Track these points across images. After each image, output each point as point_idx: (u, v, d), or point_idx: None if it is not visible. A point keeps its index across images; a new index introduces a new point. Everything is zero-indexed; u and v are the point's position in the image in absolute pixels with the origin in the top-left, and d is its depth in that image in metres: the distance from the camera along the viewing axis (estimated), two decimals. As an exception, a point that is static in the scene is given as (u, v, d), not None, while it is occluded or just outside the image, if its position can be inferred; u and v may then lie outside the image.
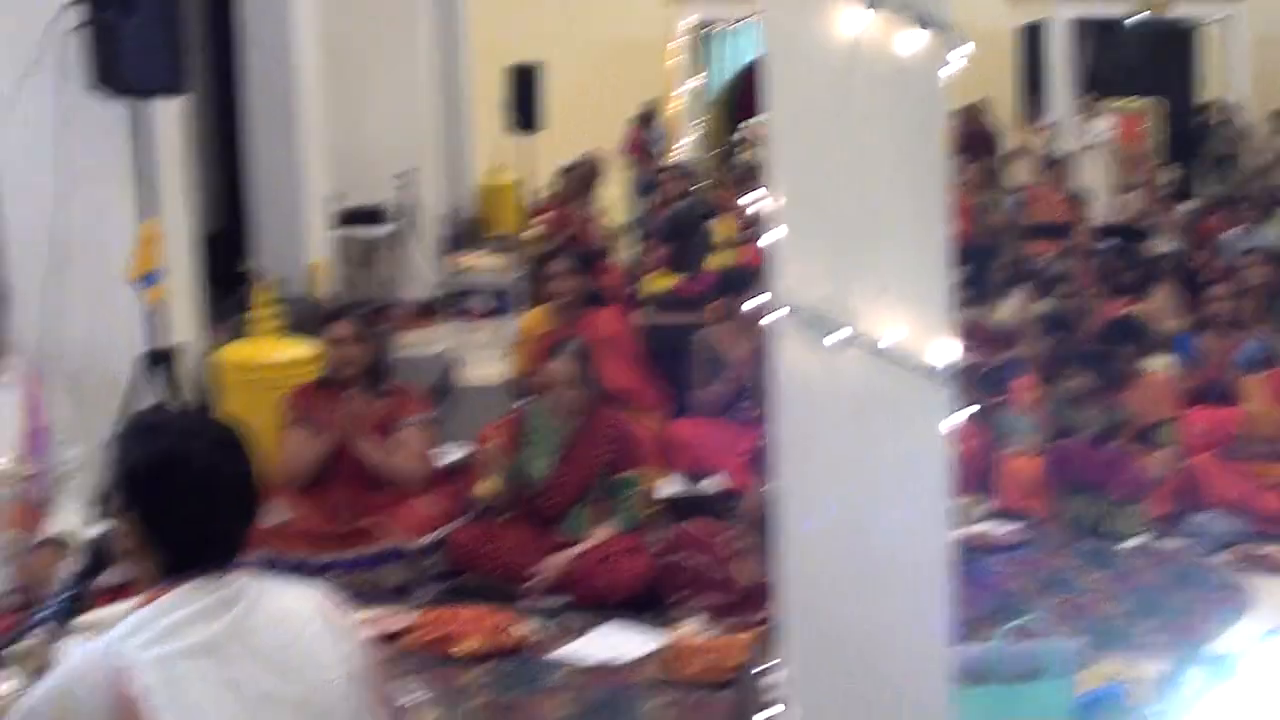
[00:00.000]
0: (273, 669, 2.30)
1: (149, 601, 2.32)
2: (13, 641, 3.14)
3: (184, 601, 2.30)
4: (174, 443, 2.38)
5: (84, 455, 5.06)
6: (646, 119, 15.70)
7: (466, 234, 12.86)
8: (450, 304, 11.32)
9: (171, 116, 6.36)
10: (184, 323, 6.41)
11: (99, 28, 5.60)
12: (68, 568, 3.25)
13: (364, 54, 10.79)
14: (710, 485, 6.33)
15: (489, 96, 13.16)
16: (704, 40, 17.84)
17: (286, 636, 2.36)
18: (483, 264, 11.88)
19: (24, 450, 5.05)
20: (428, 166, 11.41)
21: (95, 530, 3.94)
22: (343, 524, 5.66)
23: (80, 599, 2.77)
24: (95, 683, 2.17)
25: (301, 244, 9.12)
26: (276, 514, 5.63)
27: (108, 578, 2.76)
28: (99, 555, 2.76)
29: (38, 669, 2.84)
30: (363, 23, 10.85)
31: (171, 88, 5.87)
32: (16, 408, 5.18)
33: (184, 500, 2.33)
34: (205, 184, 8.24)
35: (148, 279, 5.90)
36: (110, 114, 5.83)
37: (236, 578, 2.36)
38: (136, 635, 2.26)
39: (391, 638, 4.92)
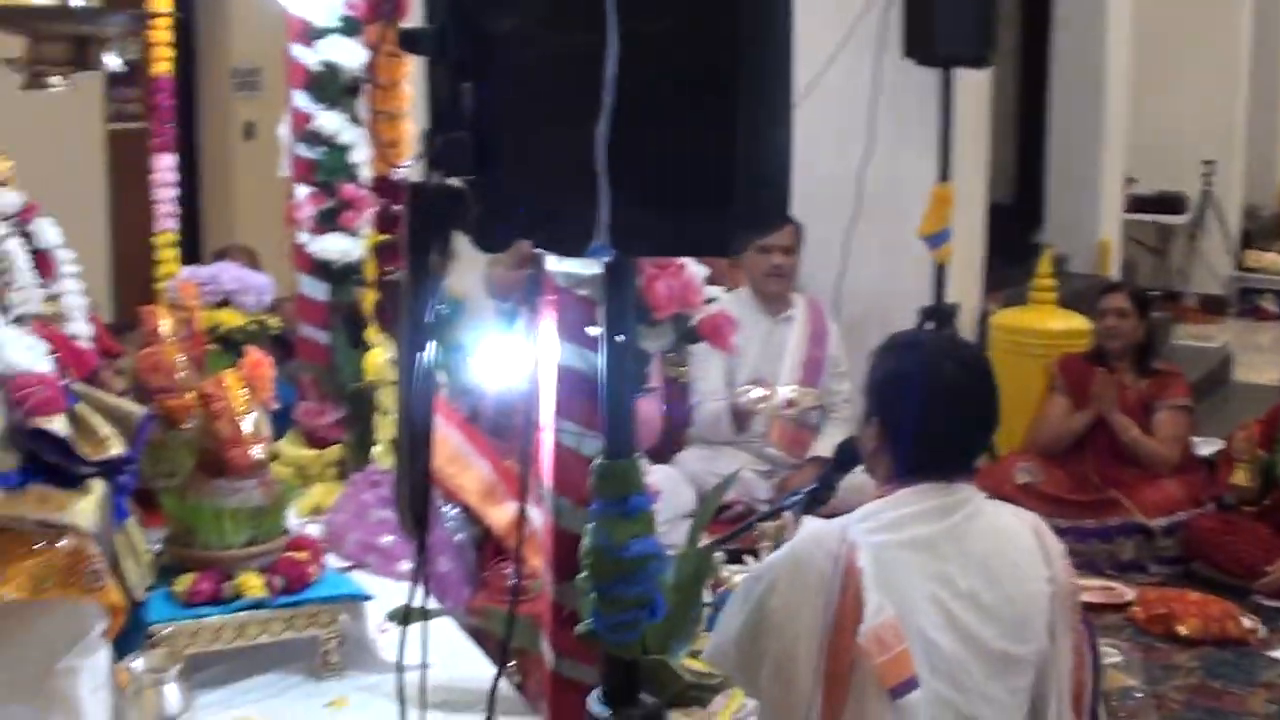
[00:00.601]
0: (979, 573, 2.53)
1: (882, 496, 2.62)
2: (764, 519, 3.60)
3: (911, 501, 2.57)
4: (923, 358, 2.66)
5: (853, 390, 5.53)
6: None
7: (1267, 230, 12.39)
8: (1240, 301, 11.02)
9: (977, 87, 6.67)
10: (965, 283, 6.74)
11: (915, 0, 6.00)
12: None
13: (1178, 36, 10.65)
14: None
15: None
16: None
17: (997, 547, 2.57)
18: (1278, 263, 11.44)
19: (801, 376, 5.62)
20: (1233, 157, 11.11)
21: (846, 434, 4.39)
22: (1088, 493, 5.80)
23: (824, 492, 3.13)
24: (827, 550, 2.50)
25: (1092, 223, 9.20)
26: (1027, 475, 5.86)
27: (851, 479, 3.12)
28: (847, 457, 3.11)
29: (780, 540, 3.26)
30: (1180, 3, 10.71)
31: (978, 60, 6.17)
32: (800, 338, 5.76)
33: (923, 411, 2.60)
34: (1003, 155, 8.52)
35: (937, 238, 6.27)
36: (920, 82, 6.22)
37: (962, 488, 2.59)
38: (866, 521, 2.56)
39: (1115, 607, 5.05)
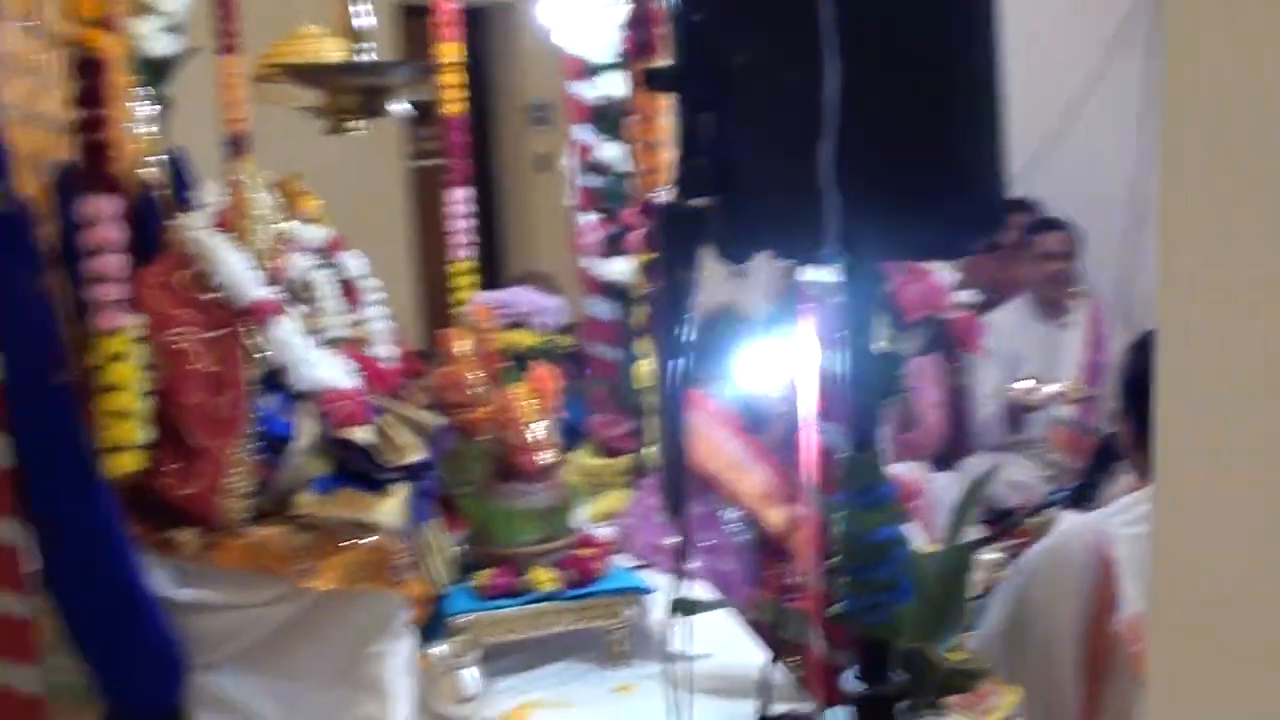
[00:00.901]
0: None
1: (1137, 490, 2.70)
2: (1031, 515, 3.68)
3: (1164, 494, 2.65)
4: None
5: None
6: None
7: None
8: None
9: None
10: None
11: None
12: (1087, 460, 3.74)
13: None
14: None
15: None
16: None
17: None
18: None
19: (1082, 380, 5.64)
20: None
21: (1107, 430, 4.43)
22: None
23: (1088, 489, 3.21)
24: (1084, 541, 2.60)
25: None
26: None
27: (1112, 478, 3.19)
28: (1108, 454, 3.19)
29: (1044, 534, 3.34)
30: None
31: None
32: (1081, 343, 5.78)
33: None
34: None
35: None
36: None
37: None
38: (1121, 515, 2.65)
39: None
